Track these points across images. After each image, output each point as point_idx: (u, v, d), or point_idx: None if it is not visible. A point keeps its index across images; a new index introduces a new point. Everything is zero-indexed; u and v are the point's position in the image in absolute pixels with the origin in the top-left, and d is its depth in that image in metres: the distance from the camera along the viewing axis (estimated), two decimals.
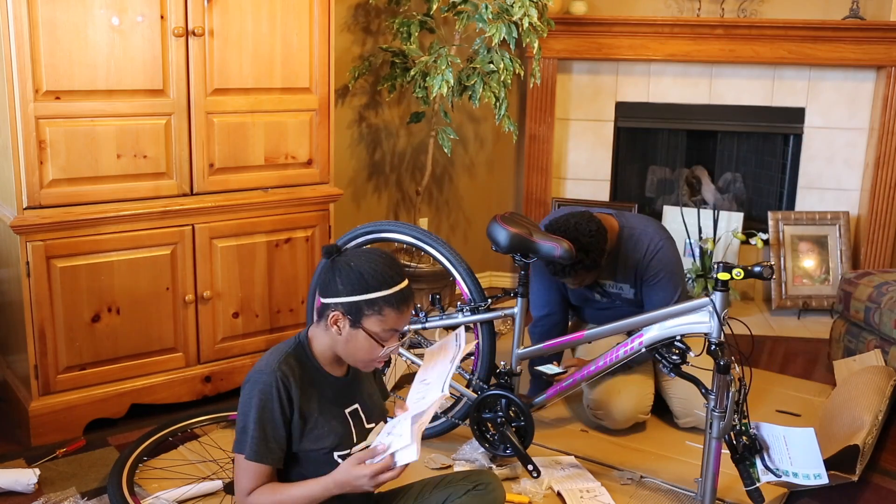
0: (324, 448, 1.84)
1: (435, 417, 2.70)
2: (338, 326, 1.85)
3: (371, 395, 2.03)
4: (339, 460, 1.86)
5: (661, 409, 3.11)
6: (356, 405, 1.96)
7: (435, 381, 1.91)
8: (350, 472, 1.79)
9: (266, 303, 3.16)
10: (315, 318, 1.94)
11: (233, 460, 1.92)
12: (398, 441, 1.77)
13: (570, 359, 3.10)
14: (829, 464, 2.41)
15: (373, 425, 1.97)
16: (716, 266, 2.32)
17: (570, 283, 2.91)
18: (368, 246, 2.95)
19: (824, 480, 2.35)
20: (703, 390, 2.40)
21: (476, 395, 2.74)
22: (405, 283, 1.87)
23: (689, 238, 4.40)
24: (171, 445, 2.78)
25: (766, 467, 2.39)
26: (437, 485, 2.06)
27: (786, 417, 3.18)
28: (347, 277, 1.83)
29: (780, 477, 2.37)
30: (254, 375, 1.85)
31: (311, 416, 1.86)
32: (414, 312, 2.89)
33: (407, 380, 3.36)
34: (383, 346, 1.86)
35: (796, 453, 2.36)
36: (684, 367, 2.48)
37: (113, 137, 2.77)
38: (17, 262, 2.69)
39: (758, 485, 2.39)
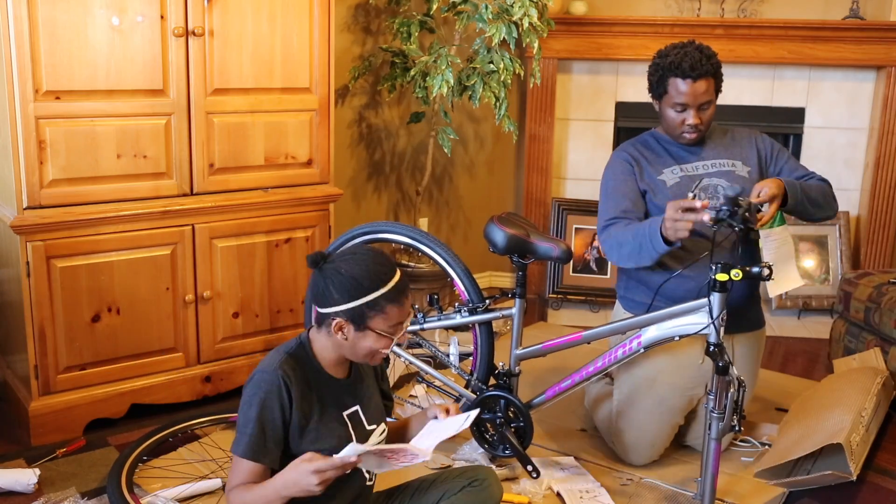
0: (323, 450, 1.84)
1: None
2: (343, 332, 1.85)
3: (371, 396, 2.02)
4: None
5: None
6: (356, 407, 1.96)
7: (428, 440, 1.88)
8: (297, 466, 1.74)
9: (266, 303, 3.17)
10: (315, 324, 1.93)
11: (231, 459, 1.92)
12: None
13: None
14: (824, 464, 2.41)
15: (373, 427, 1.97)
16: (714, 266, 2.30)
17: (694, 115, 2.70)
18: (351, 244, 2.94)
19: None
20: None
21: (475, 396, 2.74)
22: (398, 274, 1.88)
23: None
24: (171, 446, 2.78)
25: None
26: (433, 482, 2.06)
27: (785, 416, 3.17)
28: (341, 284, 1.83)
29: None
30: (256, 375, 1.86)
31: (310, 418, 1.86)
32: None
33: (406, 380, 3.36)
34: (392, 339, 1.87)
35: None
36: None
37: (113, 137, 2.77)
38: (17, 262, 2.69)
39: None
